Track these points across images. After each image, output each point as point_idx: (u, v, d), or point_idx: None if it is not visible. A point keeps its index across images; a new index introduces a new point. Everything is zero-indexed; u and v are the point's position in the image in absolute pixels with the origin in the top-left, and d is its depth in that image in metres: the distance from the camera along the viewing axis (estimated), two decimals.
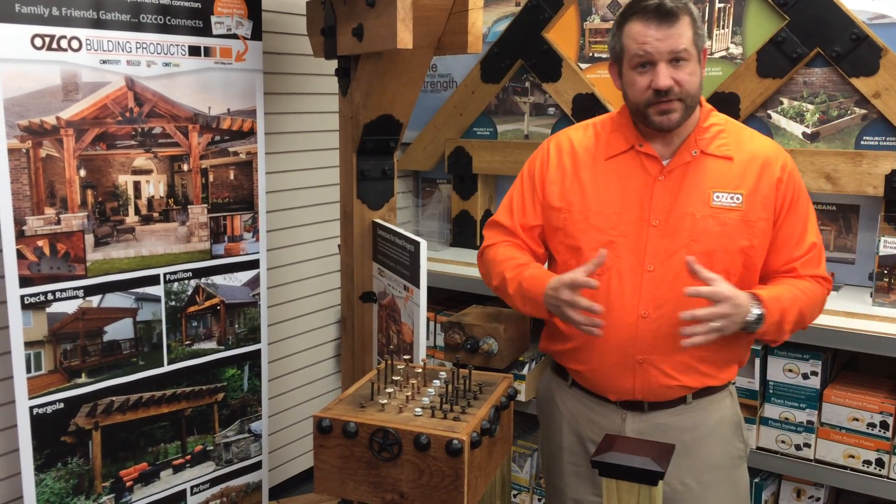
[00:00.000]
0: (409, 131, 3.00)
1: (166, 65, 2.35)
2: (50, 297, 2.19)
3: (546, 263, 1.95)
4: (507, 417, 1.71)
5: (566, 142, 1.87)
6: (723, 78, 2.87)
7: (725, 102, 2.81)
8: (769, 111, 2.84)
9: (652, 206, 1.73)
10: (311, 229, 3.25)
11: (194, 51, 2.40)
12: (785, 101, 2.80)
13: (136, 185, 2.35)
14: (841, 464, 2.44)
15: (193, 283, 2.52)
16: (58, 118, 2.15)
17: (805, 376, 2.50)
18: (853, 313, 2.46)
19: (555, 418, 1.94)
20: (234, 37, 2.49)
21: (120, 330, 2.35)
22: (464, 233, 3.60)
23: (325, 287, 3.34)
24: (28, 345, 2.16)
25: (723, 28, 2.88)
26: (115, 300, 2.33)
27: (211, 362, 2.60)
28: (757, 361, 2.53)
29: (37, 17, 2.07)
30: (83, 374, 2.29)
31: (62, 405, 2.24)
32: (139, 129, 2.33)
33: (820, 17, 2.64)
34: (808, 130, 2.77)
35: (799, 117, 2.78)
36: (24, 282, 2.13)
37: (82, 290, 2.26)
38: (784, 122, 2.81)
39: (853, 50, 2.60)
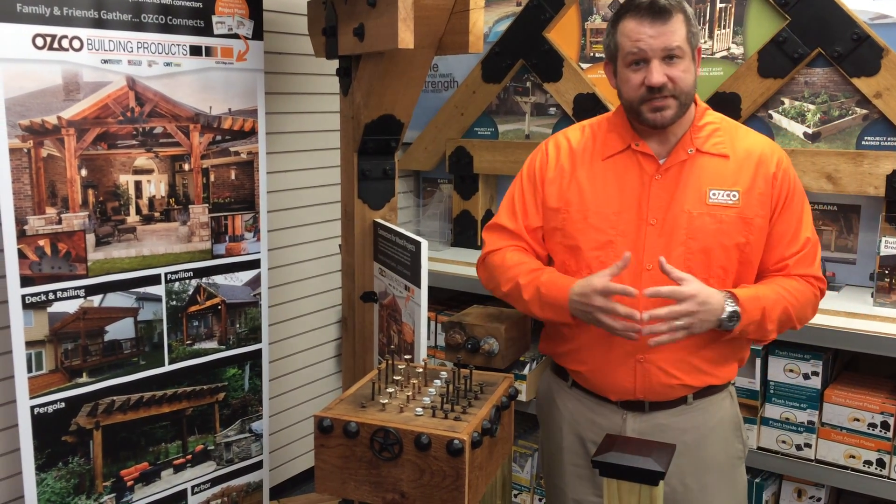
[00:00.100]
0: (410, 131, 3.00)
1: (167, 64, 2.35)
2: (51, 296, 2.19)
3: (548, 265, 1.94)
4: (507, 417, 1.71)
5: (564, 142, 1.87)
6: (724, 78, 2.87)
7: (726, 102, 2.81)
8: (770, 111, 2.83)
9: (649, 205, 1.73)
10: (311, 229, 3.25)
11: (195, 50, 2.40)
12: (786, 101, 2.80)
13: (138, 184, 2.36)
14: (842, 464, 2.44)
15: (194, 282, 2.52)
16: (59, 118, 2.15)
17: (806, 376, 2.50)
18: (854, 313, 2.46)
19: (555, 419, 1.94)
20: (236, 36, 2.49)
21: (121, 329, 2.35)
22: (465, 233, 3.60)
23: (326, 287, 3.34)
24: (29, 344, 2.16)
25: (724, 28, 2.88)
26: (116, 300, 2.33)
27: (212, 362, 2.60)
28: (758, 361, 2.53)
29: (38, 17, 2.07)
30: (84, 374, 2.29)
31: (63, 405, 2.25)
32: (140, 129, 2.33)
33: (821, 17, 2.64)
34: (810, 130, 2.77)
35: (800, 117, 2.78)
36: (26, 281, 2.13)
37: (83, 290, 2.26)
38: (785, 123, 2.81)
39: (854, 50, 2.60)
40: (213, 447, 2.65)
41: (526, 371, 2.87)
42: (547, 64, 3.24)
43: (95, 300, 2.29)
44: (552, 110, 3.33)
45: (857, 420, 2.41)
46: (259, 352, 2.73)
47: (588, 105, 3.15)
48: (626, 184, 1.76)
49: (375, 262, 2.53)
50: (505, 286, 1.86)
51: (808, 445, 2.49)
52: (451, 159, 3.53)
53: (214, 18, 2.43)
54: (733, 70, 2.86)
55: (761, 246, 1.75)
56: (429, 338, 3.13)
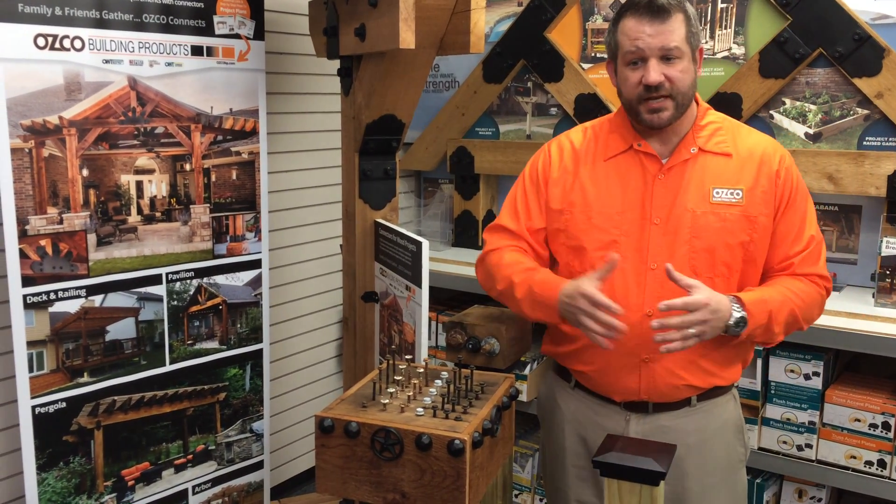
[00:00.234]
0: (411, 131, 3.00)
1: (169, 64, 2.35)
2: (52, 296, 2.19)
3: (548, 266, 1.94)
4: (508, 417, 1.71)
5: (567, 143, 1.87)
6: (725, 78, 2.87)
7: (728, 103, 2.81)
8: (771, 111, 2.83)
9: (653, 205, 1.73)
10: (312, 229, 3.25)
11: (197, 50, 2.40)
12: (787, 101, 2.80)
13: (139, 184, 2.36)
14: (843, 464, 2.44)
15: (195, 282, 2.52)
16: (60, 118, 2.15)
17: (807, 377, 2.49)
18: (855, 314, 2.46)
19: (557, 420, 1.94)
20: (237, 36, 2.49)
21: (122, 329, 2.35)
22: (466, 233, 3.60)
23: (327, 287, 3.34)
24: (30, 344, 2.16)
25: (725, 28, 2.88)
26: (117, 300, 2.33)
27: (213, 362, 2.60)
28: (759, 362, 2.53)
29: (39, 17, 2.07)
30: (85, 374, 2.29)
31: (64, 404, 2.25)
32: (142, 129, 2.33)
33: (822, 17, 2.64)
34: (811, 131, 2.77)
35: (801, 118, 2.78)
36: (27, 281, 2.13)
37: (84, 290, 2.26)
38: (786, 123, 2.81)
39: (856, 50, 2.60)
40: (213, 447, 2.65)
41: (527, 371, 2.87)
42: (548, 64, 3.24)
43: (97, 300, 2.29)
44: (553, 110, 3.33)
45: (858, 420, 2.41)
46: (260, 352, 2.73)
47: (589, 105, 3.15)
48: (629, 184, 1.75)
49: (376, 262, 2.53)
50: (500, 284, 1.85)
51: (808, 446, 2.48)
52: (453, 159, 3.53)
53: (216, 18, 2.44)
54: (734, 70, 2.85)
55: (766, 244, 1.75)
56: (430, 338, 3.13)
